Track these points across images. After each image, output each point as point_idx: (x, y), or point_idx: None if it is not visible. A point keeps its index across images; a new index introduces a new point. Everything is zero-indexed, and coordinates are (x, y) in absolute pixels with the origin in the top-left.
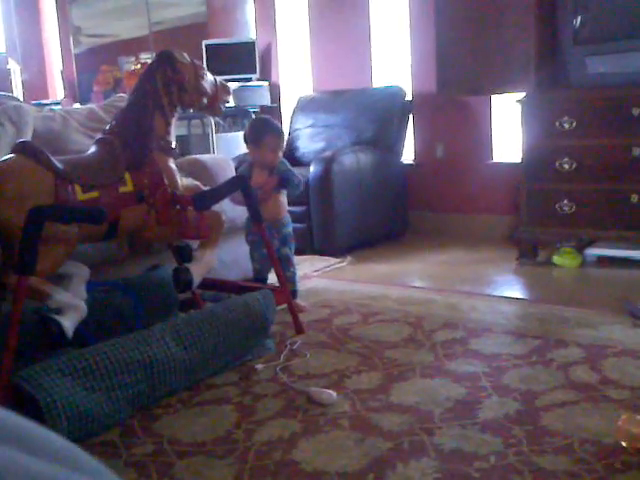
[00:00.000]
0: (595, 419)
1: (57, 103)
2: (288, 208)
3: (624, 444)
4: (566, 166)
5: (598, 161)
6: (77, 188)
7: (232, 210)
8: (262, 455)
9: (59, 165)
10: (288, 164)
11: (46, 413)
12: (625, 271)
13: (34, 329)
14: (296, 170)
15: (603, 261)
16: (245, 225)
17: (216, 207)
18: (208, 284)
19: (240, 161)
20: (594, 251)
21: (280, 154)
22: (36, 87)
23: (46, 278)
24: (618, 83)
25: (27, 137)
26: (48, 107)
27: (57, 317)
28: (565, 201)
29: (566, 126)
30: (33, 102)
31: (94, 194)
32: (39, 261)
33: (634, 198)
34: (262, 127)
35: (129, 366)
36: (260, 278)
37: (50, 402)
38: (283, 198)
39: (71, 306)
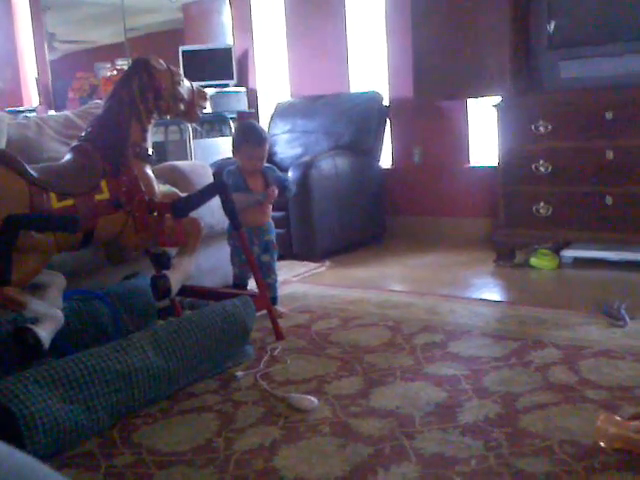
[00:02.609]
0: (574, 420)
1: (32, 110)
2: None
3: (602, 444)
4: (542, 169)
5: (573, 164)
6: (52, 196)
7: (210, 216)
8: (243, 463)
9: (34, 173)
10: (276, 170)
11: (23, 425)
12: (601, 272)
13: (9, 340)
14: None
15: (579, 262)
16: (227, 229)
17: (194, 214)
18: (187, 291)
19: (218, 167)
20: (570, 253)
21: (259, 162)
22: (10, 94)
23: (22, 288)
24: (591, 87)
25: (1, 145)
26: (23, 114)
27: (33, 327)
28: (541, 203)
29: (541, 130)
30: (7, 109)
31: (69, 202)
32: (14, 270)
33: (609, 200)
34: (240, 135)
35: (107, 376)
36: (240, 283)
37: (27, 414)
38: (269, 206)
39: (47, 316)
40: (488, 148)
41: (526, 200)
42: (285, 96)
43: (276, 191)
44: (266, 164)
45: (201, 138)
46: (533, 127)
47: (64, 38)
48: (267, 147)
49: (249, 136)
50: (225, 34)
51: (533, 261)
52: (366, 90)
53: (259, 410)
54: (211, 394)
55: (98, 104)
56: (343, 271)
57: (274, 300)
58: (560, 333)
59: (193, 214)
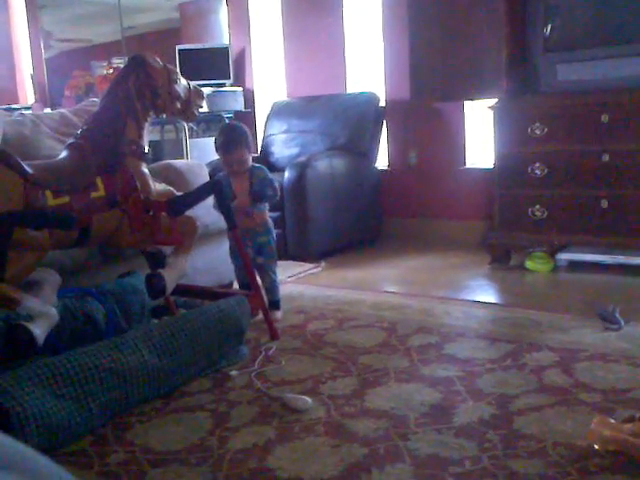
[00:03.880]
0: (568, 422)
1: (27, 108)
2: None
3: (597, 447)
4: (538, 172)
5: (569, 167)
6: (48, 193)
7: (206, 215)
8: (237, 463)
9: (29, 170)
10: (266, 171)
11: (16, 423)
12: (596, 276)
13: (3, 337)
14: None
15: (574, 266)
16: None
17: (190, 212)
18: (182, 290)
19: (214, 166)
20: (565, 256)
21: (238, 165)
22: (6, 91)
23: (16, 285)
24: (588, 90)
25: None
26: (18, 111)
27: (27, 324)
28: (537, 206)
29: (538, 132)
30: (3, 107)
31: (65, 199)
32: (9, 267)
33: (604, 203)
34: (215, 142)
35: (101, 374)
36: (244, 282)
37: (20, 411)
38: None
39: (41, 313)
40: (484, 150)
41: (521, 203)
42: (282, 96)
43: (248, 198)
44: (256, 164)
45: (197, 137)
46: (529, 129)
47: (60, 36)
48: (241, 151)
49: (219, 144)
50: (222, 33)
51: (528, 264)
52: (363, 91)
53: (253, 410)
54: (205, 393)
55: (94, 102)
56: (338, 272)
57: (275, 304)
58: (555, 336)
59: (189, 213)
